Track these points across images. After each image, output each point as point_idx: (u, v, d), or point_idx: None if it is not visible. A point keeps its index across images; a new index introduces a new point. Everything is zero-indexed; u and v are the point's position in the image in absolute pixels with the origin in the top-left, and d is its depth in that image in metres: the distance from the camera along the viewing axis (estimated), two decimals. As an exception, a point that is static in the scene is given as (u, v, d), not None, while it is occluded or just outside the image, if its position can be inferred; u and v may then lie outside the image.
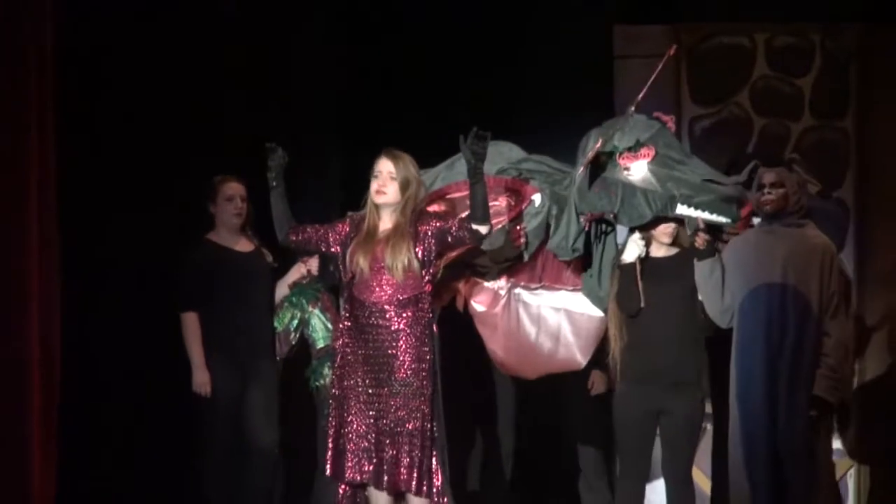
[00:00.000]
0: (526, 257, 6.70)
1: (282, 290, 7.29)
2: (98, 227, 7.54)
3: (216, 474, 7.06)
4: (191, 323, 7.08)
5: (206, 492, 7.07)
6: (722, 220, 6.44)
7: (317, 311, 7.26)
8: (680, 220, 6.53)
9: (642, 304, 6.49)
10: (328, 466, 6.33)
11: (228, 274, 7.11)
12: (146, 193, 7.67)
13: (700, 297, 6.55)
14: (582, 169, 6.55)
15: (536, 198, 6.70)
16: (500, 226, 6.62)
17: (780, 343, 6.43)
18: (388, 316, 6.29)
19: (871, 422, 7.87)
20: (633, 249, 6.52)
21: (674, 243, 6.60)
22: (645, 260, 6.55)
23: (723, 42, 8.12)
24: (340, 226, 6.42)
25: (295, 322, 7.29)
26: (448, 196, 6.74)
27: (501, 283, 6.81)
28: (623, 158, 6.51)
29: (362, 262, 6.28)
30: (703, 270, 6.49)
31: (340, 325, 6.38)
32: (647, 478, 6.61)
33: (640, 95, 6.70)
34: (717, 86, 8.12)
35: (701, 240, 6.46)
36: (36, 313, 6.63)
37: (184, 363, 7.16)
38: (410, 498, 6.30)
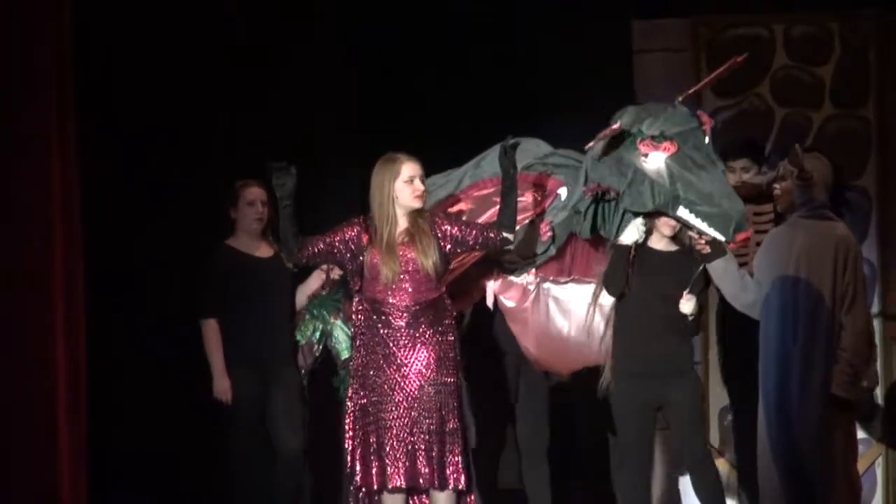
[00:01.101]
0: (553, 251, 6.69)
1: (301, 297, 7.25)
2: (122, 229, 7.60)
3: (241, 480, 7.08)
4: (211, 330, 7.11)
5: (233, 497, 7.09)
6: (717, 235, 6.38)
7: (339, 322, 7.24)
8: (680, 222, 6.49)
9: (626, 290, 6.49)
10: (358, 476, 6.31)
11: (248, 280, 7.11)
12: (169, 195, 7.73)
13: (726, 297, 6.55)
14: (602, 139, 6.53)
15: (563, 192, 6.70)
16: (525, 221, 6.64)
17: (792, 335, 6.42)
18: (417, 318, 6.30)
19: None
20: (631, 232, 6.46)
21: (675, 239, 6.56)
22: (643, 248, 6.53)
23: (741, 33, 8.12)
24: (348, 231, 6.35)
25: (318, 334, 7.29)
26: (476, 194, 6.76)
27: (530, 279, 6.80)
28: (643, 144, 6.47)
29: (388, 269, 6.27)
30: (717, 271, 6.48)
31: (358, 335, 6.35)
32: (650, 471, 6.61)
33: (693, 90, 6.69)
34: (737, 77, 8.07)
35: (701, 245, 6.44)
36: (61, 314, 6.70)
37: (208, 366, 7.20)
38: (436, 495, 6.33)
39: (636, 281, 6.46)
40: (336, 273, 7.12)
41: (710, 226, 6.34)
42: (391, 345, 6.30)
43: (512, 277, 6.82)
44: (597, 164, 6.48)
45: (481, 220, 6.61)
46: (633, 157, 6.43)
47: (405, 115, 8.20)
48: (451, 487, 6.28)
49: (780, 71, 8.09)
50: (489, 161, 6.75)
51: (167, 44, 7.73)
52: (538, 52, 8.29)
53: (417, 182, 6.31)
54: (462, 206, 6.74)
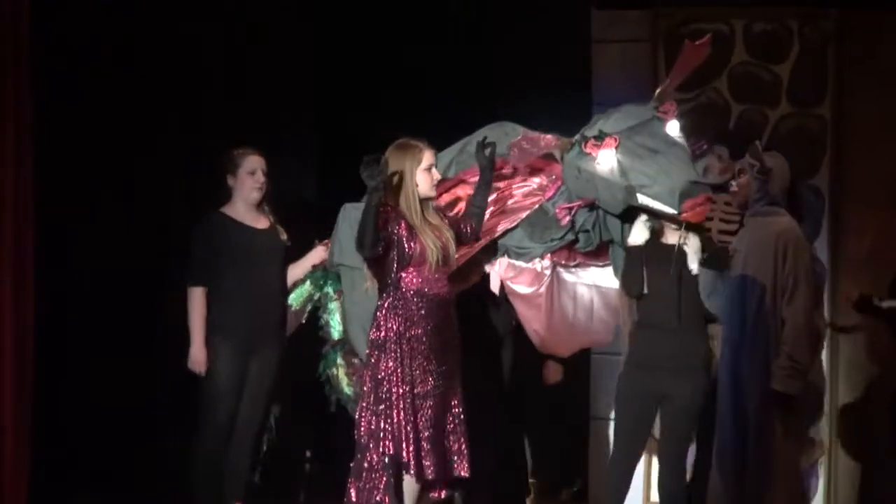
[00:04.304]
0: (572, 237, 6.71)
1: (295, 272, 7.11)
2: (73, 212, 7.56)
3: (207, 453, 6.94)
4: (196, 298, 6.93)
5: (194, 468, 6.95)
6: (668, 210, 6.42)
7: (340, 302, 7.10)
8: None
9: (645, 290, 6.50)
10: (412, 468, 6.24)
11: (241, 250, 6.96)
12: (120, 182, 7.69)
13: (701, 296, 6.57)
14: (559, 155, 6.59)
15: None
16: (536, 206, 6.69)
17: (740, 331, 6.43)
18: (448, 310, 6.36)
19: (845, 406, 7.91)
20: (640, 232, 6.52)
21: None
22: (655, 245, 6.54)
23: (700, 28, 8.08)
24: (389, 220, 6.30)
25: (310, 305, 7.15)
26: (473, 180, 6.73)
27: (546, 263, 6.79)
28: (587, 147, 6.52)
29: (433, 253, 6.29)
30: (706, 277, 6.53)
31: (392, 327, 6.29)
32: (639, 460, 6.65)
33: (667, 84, 6.69)
34: (695, 71, 8.09)
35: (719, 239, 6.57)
36: (9, 298, 6.64)
37: (160, 344, 7.17)
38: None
39: (654, 277, 6.48)
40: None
41: (661, 203, 6.40)
42: (428, 339, 6.29)
43: (521, 263, 6.80)
44: (568, 180, 6.54)
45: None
46: (586, 164, 6.51)
47: (361, 106, 8.17)
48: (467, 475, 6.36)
49: (739, 67, 8.08)
50: (473, 146, 6.74)
51: (129, 22, 7.66)
52: (498, 39, 8.27)
53: (435, 171, 6.35)
54: (466, 189, 6.74)
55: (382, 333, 6.30)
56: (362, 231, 6.17)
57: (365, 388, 6.36)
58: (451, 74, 8.17)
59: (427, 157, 6.35)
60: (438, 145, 6.68)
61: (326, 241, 7.02)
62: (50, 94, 7.17)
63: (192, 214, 7.21)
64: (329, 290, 7.11)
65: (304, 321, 7.16)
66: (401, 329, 6.28)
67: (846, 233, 7.92)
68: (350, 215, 6.72)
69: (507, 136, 6.77)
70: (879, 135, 7.92)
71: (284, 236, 7.09)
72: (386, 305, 6.31)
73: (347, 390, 6.93)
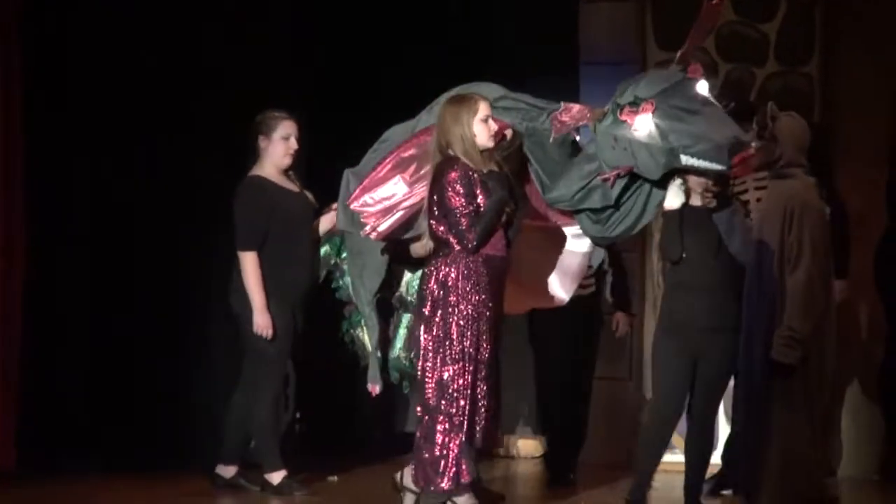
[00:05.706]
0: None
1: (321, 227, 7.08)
2: (69, 211, 7.63)
3: (273, 415, 6.94)
4: (251, 262, 6.87)
5: (258, 438, 6.98)
6: (717, 167, 6.38)
7: None
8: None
9: (683, 253, 6.51)
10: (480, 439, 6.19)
11: (284, 212, 6.93)
12: (116, 180, 7.72)
13: (732, 252, 6.55)
14: (592, 126, 6.54)
15: (509, 133, 6.70)
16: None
17: (757, 295, 6.42)
18: (506, 270, 6.28)
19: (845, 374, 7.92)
20: (675, 196, 6.50)
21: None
22: (685, 209, 6.55)
23: (687, -12, 8.11)
24: (473, 185, 6.22)
25: (325, 269, 7.04)
26: (425, 139, 6.66)
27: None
28: (623, 114, 6.47)
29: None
30: (722, 224, 6.51)
31: (458, 286, 6.16)
32: (677, 424, 6.66)
33: (682, 51, 6.65)
34: (683, 30, 8.06)
35: (707, 199, 6.51)
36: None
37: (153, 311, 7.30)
38: None
39: (685, 241, 6.50)
40: None
41: (709, 161, 6.32)
42: (491, 303, 6.19)
43: None
44: (602, 150, 6.47)
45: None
46: (622, 130, 6.42)
47: (355, 68, 8.18)
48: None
49: (726, 26, 8.08)
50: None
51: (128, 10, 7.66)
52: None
53: (491, 122, 6.29)
54: (413, 151, 6.66)
55: (449, 295, 6.17)
56: (489, 231, 6.18)
57: (429, 353, 6.19)
58: (439, 38, 8.16)
59: (483, 107, 6.27)
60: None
61: (334, 206, 7.00)
62: (46, 93, 7.23)
63: (191, 207, 7.24)
64: (346, 254, 7.09)
65: (320, 281, 7.08)
66: (470, 291, 6.17)
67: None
68: (349, 180, 6.71)
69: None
70: (867, 92, 7.94)
71: (313, 199, 7.06)
72: (449, 263, 6.19)
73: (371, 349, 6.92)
